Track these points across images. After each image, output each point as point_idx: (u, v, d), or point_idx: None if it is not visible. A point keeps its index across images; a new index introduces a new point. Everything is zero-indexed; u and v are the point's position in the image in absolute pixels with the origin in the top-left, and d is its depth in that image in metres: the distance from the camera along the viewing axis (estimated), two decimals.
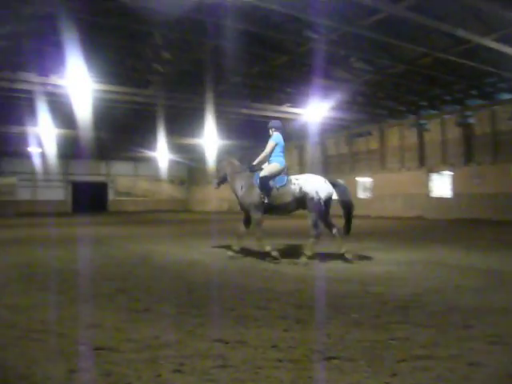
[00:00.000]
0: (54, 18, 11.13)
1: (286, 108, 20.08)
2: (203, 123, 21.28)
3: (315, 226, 7.40)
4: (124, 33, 13.20)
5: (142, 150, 31.92)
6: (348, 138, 25.82)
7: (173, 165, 37.51)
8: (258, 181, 7.76)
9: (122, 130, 25.57)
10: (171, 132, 25.01)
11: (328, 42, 13.33)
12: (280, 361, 2.93)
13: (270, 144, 7.99)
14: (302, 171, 29.05)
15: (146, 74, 17.31)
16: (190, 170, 42.18)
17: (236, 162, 8.65)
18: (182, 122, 24.26)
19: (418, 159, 21.75)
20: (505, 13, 10.29)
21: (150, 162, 36.77)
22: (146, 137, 26.14)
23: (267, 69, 15.88)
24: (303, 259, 7.14)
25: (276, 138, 8.10)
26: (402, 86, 18.74)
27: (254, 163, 8.18)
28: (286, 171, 8.00)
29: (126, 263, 7.37)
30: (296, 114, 20.44)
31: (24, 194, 35.47)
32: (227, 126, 24.98)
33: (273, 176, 7.72)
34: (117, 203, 38.83)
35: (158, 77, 16.97)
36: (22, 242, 11.08)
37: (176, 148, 31.15)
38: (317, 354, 3.07)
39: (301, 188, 7.56)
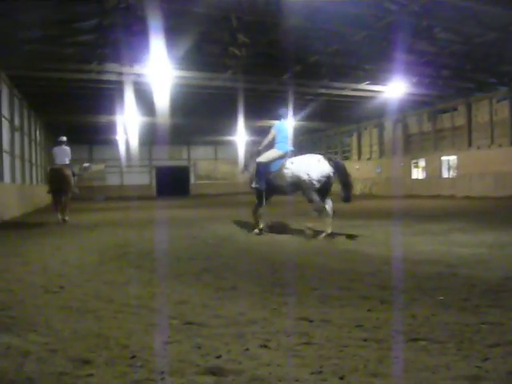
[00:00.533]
0: (136, 9, 11.66)
1: (365, 86, 19.50)
2: (281, 104, 21.30)
3: (312, 201, 7.95)
4: (200, 18, 13.49)
5: (222, 134, 32.69)
6: (431, 114, 24.54)
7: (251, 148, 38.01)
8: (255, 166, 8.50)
9: (201, 115, 26.31)
10: (249, 115, 25.30)
11: (409, 14, 12.69)
12: (365, 340, 2.94)
13: (271, 132, 8.60)
14: (381, 151, 28.19)
15: (223, 58, 17.60)
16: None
17: (257, 150, 9.14)
18: (260, 105, 24.45)
19: (510, 135, 20.19)
20: None
21: (229, 145, 37.59)
22: (225, 121, 26.70)
23: (345, 46, 15.48)
24: (308, 232, 7.83)
25: (277, 126, 8.66)
26: (493, 56, 17.39)
27: (260, 149, 8.80)
28: (288, 156, 8.43)
29: (209, 244, 7.67)
30: (376, 91, 19.78)
31: (112, 180, 37.96)
32: (305, 106, 24.78)
33: (269, 162, 8.31)
34: (198, 186, 40.27)
35: (235, 60, 17.18)
36: (113, 224, 11.92)
37: (255, 131, 31.53)
38: (402, 334, 3.04)
39: (293, 172, 8.05)
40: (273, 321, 3.36)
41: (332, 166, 7.98)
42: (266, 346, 2.85)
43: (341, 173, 8.10)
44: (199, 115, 26.19)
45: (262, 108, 24.99)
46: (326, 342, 2.91)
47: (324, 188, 8.02)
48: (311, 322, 3.32)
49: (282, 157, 8.34)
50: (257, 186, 8.58)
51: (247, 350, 2.79)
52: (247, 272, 5.22)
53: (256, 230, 8.62)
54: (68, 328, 3.23)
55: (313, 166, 7.89)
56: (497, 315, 3.41)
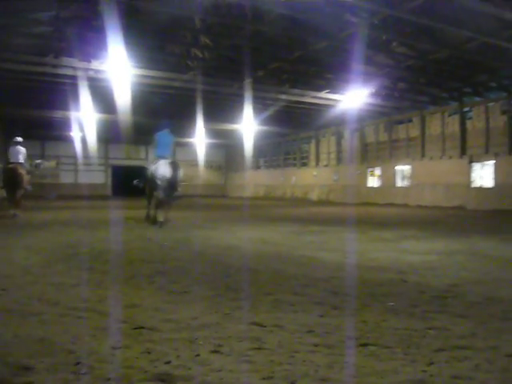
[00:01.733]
0: (96, 3, 11.37)
1: (324, 94, 19.85)
2: (241, 109, 21.34)
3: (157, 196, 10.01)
4: (163, 17, 13.33)
5: (181, 135, 32.39)
6: (387, 125, 25.29)
7: (211, 150, 37.91)
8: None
9: (161, 115, 25.95)
10: (209, 117, 25.22)
11: (369, 27, 13.03)
12: (316, 345, 2.96)
13: (154, 141, 10.77)
14: (339, 158, 28.75)
15: (184, 59, 17.46)
16: (228, 156, 42.51)
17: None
18: (220, 108, 24.42)
19: (459, 148, 21.08)
20: None
21: (188, 147, 37.31)
22: (185, 122, 26.48)
23: (306, 54, 15.70)
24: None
25: (158, 135, 10.75)
26: (444, 72, 18.14)
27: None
28: (164, 161, 10.14)
29: (164, 246, 7.56)
30: (335, 100, 20.18)
31: (66, 178, 36.78)
32: (265, 112, 24.95)
33: (148, 165, 10.52)
34: None
35: (196, 62, 17.08)
36: (65, 224, 11.54)
37: (214, 133, 31.45)
38: (353, 340, 3.08)
39: (151, 173, 10.15)
40: (225, 325, 3.33)
41: (171, 169, 9.95)
42: (217, 352, 2.82)
43: (172, 176, 9.98)
44: (159, 115, 25.80)
45: (223, 111, 24.99)
46: (278, 348, 2.91)
47: (168, 186, 9.95)
48: (264, 327, 3.31)
49: (155, 161, 10.35)
50: (136, 184, 11.34)
51: (198, 355, 2.75)
52: (201, 275, 5.17)
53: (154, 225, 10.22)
54: (9, 332, 3.07)
55: (159, 168, 9.84)
56: (443, 321, 3.53)
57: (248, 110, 21.29)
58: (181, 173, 10.63)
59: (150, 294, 4.24)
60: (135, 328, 3.24)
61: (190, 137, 31.73)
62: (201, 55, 16.60)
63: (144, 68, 16.04)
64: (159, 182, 9.75)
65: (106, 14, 10.96)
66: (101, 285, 4.62)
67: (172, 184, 10.05)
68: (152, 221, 10.50)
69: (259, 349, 2.88)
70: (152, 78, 17.20)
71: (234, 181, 40.98)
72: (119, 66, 14.47)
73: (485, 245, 8.06)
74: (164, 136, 10.60)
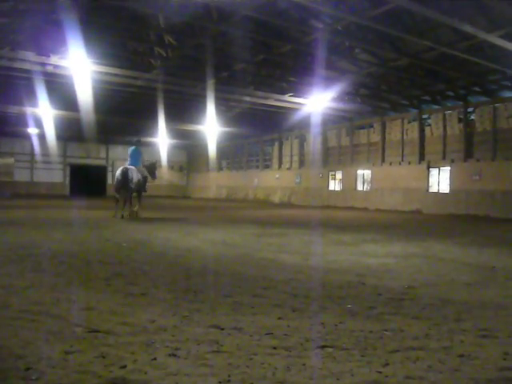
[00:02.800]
0: None
1: (288, 97, 20.01)
2: (205, 110, 21.22)
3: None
4: (127, 14, 13.10)
5: (143, 135, 31.91)
6: (349, 129, 25.76)
7: (173, 150, 37.51)
8: None
9: (122, 114, 25.49)
10: (172, 117, 24.95)
11: (333, 32, 13.25)
12: (275, 348, 2.96)
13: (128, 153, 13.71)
14: (301, 161, 29.04)
15: (148, 57, 17.21)
16: (190, 157, 42.17)
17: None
18: (184, 108, 24.21)
19: (418, 154, 21.72)
20: (510, 10, 10.22)
21: (150, 146, 36.77)
22: (147, 121, 26.07)
23: (271, 57, 15.79)
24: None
25: (130, 149, 13.72)
26: (405, 80, 18.65)
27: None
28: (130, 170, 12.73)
29: (123, 247, 7.40)
30: (298, 103, 20.37)
31: (21, 175, 35.43)
32: (229, 113, 24.92)
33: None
34: None
35: (160, 61, 16.86)
36: (18, 224, 11.11)
37: (177, 134, 31.13)
38: (311, 342, 3.11)
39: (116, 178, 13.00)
40: (183, 328, 3.29)
41: (121, 173, 12.60)
42: (174, 355, 2.78)
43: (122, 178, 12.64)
44: (120, 114, 25.36)
45: (186, 111, 24.77)
46: (236, 350, 2.89)
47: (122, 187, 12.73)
48: (222, 329, 3.29)
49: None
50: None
51: (155, 359, 2.70)
52: (160, 277, 5.09)
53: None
54: None
55: (117, 173, 12.91)
56: (398, 322, 3.61)
57: (211, 111, 21.19)
58: (141, 177, 13.23)
59: (107, 297, 4.14)
60: (90, 331, 3.15)
61: (152, 136, 31.29)
62: (164, 54, 16.41)
63: (106, 65, 15.69)
64: (119, 185, 12.84)
65: (65, 8, 10.65)
66: (55, 287, 4.47)
67: (132, 185, 12.72)
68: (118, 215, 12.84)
69: (217, 352, 2.86)
70: (114, 75, 16.83)
71: (197, 182, 40.71)
72: (79, 62, 14.09)
73: (440, 248, 8.33)
74: (134, 151, 13.59)
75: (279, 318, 3.62)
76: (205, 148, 33.07)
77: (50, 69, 15.68)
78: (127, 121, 27.50)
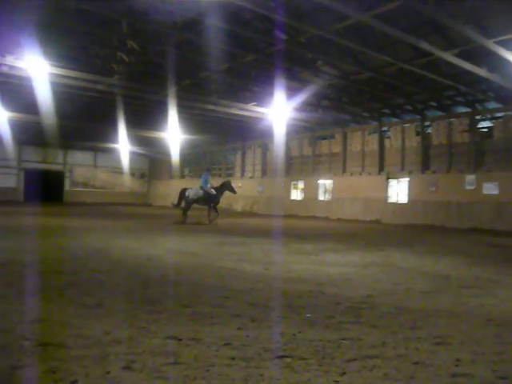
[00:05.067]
0: None
1: (251, 107, 20.10)
2: (167, 117, 20.99)
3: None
4: (89, 18, 12.82)
5: (103, 141, 31.26)
6: (312, 140, 26.11)
7: (134, 157, 36.91)
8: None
9: (82, 119, 24.86)
10: (134, 124, 24.55)
11: (296, 44, 13.42)
12: (233, 358, 2.93)
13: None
14: (264, 170, 29.18)
15: (110, 62, 16.89)
16: (152, 164, 41.59)
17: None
18: (146, 115, 23.86)
19: (377, 165, 22.24)
20: (465, 30, 10.66)
21: (110, 153, 36.05)
22: (108, 127, 25.54)
23: (235, 66, 15.83)
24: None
25: (203, 174, 17.72)
26: (365, 93, 19.10)
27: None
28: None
29: (79, 256, 7.17)
30: (261, 113, 20.48)
31: None
32: (192, 121, 24.76)
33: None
34: (73, 194, 37.69)
35: (122, 66, 16.58)
36: None
37: (138, 140, 30.65)
38: (269, 352, 3.09)
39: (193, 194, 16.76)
40: (140, 340, 3.20)
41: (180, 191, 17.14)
42: (129, 368, 2.70)
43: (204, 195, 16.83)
44: (80, 118, 24.71)
45: (148, 118, 24.42)
46: (193, 362, 2.84)
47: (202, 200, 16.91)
48: (180, 340, 3.23)
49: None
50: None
51: (108, 372, 2.61)
52: (117, 287, 4.96)
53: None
54: None
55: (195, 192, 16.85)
56: (356, 331, 3.65)
57: (174, 119, 20.98)
58: (202, 193, 16.82)
59: (60, 308, 3.99)
60: (40, 345, 3.01)
61: (113, 143, 30.68)
62: (127, 59, 16.14)
63: (65, 68, 15.27)
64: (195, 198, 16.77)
65: (21, 8, 10.31)
66: (4, 298, 4.27)
67: (205, 199, 16.81)
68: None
69: (174, 364, 2.80)
70: (74, 78, 16.39)
71: (158, 189, 40.12)
72: (36, 64, 13.64)
73: (398, 257, 8.52)
74: (205, 175, 17.48)
75: (238, 328, 3.58)
76: (167, 155, 32.70)
77: (5, 69, 15.12)
78: (87, 126, 26.85)
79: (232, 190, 17.56)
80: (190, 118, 24.05)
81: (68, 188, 38.12)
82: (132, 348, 3.03)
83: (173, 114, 20.05)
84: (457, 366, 2.98)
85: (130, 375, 2.60)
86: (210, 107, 20.17)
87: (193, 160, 36.34)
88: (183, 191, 17.09)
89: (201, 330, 3.50)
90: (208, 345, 3.17)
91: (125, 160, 33.24)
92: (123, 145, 30.21)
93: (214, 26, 11.91)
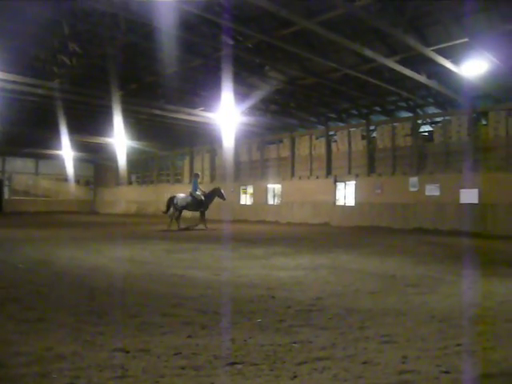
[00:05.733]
0: None
1: (199, 112, 19.97)
2: (113, 122, 20.45)
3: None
4: (28, 18, 12.28)
5: (45, 147, 30.01)
6: (260, 144, 26.29)
7: (79, 164, 35.73)
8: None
9: (22, 124, 23.74)
10: (78, 129, 23.75)
11: (244, 49, 13.48)
12: (183, 368, 2.87)
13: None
14: (212, 176, 29.06)
15: (50, 65, 16.24)
16: (97, 171, 40.36)
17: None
18: (90, 120, 23.12)
19: (325, 168, 22.70)
20: (405, 38, 11.11)
21: (53, 159, 34.64)
22: (50, 133, 24.54)
23: (182, 71, 15.67)
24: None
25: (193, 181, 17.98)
26: (312, 98, 19.47)
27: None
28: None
29: (20, 268, 6.82)
30: (209, 118, 20.40)
31: None
32: (138, 126, 24.28)
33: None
34: (14, 203, 35.87)
35: (64, 69, 16.00)
36: None
37: (83, 146, 29.67)
38: (220, 359, 3.05)
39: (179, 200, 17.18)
40: (85, 354, 3.07)
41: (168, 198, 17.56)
42: None
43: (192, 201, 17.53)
44: (19, 124, 23.58)
45: (93, 123, 23.69)
46: (142, 374, 2.75)
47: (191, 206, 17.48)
48: (128, 352, 3.13)
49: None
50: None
51: None
52: (61, 300, 4.74)
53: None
54: None
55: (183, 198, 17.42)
56: (307, 334, 3.68)
57: (120, 124, 20.48)
58: (190, 200, 17.36)
59: None
60: None
61: (55, 149, 29.52)
62: (68, 62, 15.59)
63: (2, 71, 14.55)
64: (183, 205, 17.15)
65: None
66: None
67: (194, 205, 17.28)
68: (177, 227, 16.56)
69: (121, 377, 2.70)
70: (12, 82, 15.62)
71: (105, 197, 38.97)
72: None
73: (346, 259, 8.70)
74: (194, 182, 17.89)
75: (188, 337, 3.52)
76: (113, 162, 31.87)
77: None
78: (27, 132, 25.66)
79: (222, 197, 17.90)
80: (137, 123, 23.57)
81: (7, 197, 36.25)
82: (76, 363, 2.90)
83: (118, 120, 19.58)
84: (403, 363, 3.06)
85: None
86: (157, 112, 19.85)
87: (140, 166, 35.60)
88: (171, 198, 17.45)
89: (150, 340, 3.41)
90: (157, 355, 3.09)
91: (69, 167, 32.06)
92: (67, 151, 29.16)
93: (160, 29, 11.75)
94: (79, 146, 28.95)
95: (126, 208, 35.46)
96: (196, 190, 17.60)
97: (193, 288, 5.51)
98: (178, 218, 17.29)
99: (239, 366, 2.92)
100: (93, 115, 22.14)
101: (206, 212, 18.21)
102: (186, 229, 17.08)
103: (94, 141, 26.76)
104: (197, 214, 18.33)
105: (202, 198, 17.55)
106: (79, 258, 8.08)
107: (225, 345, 3.36)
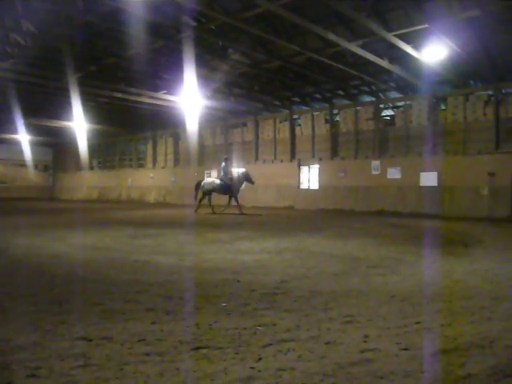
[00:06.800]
0: None
1: (161, 95, 19.60)
2: (71, 105, 19.81)
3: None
4: None
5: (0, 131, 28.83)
6: (224, 128, 26.12)
7: (37, 149, 34.53)
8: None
9: None
10: (34, 113, 22.89)
11: (206, 31, 13.27)
12: (147, 354, 2.85)
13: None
14: (176, 160, 28.72)
15: (3, 44, 15.52)
16: (57, 155, 39.15)
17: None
18: (48, 103, 22.31)
19: (289, 152, 22.82)
20: (368, 22, 11.21)
21: (9, 144, 33.33)
22: (4, 116, 23.54)
23: (143, 53, 15.28)
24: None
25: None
26: (276, 81, 19.45)
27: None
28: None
29: None
30: (172, 101, 20.08)
31: None
32: (99, 109, 23.63)
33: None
34: None
35: (18, 50, 15.32)
36: None
37: (40, 130, 28.65)
38: (185, 344, 3.05)
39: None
40: (46, 344, 3.00)
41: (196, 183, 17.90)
42: (34, 375, 2.52)
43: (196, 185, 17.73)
44: None
45: (51, 106, 22.87)
46: (106, 362, 2.72)
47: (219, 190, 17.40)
48: (90, 340, 3.08)
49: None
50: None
51: (10, 383, 2.41)
52: (20, 289, 4.60)
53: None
54: None
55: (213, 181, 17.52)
56: (271, 316, 3.72)
57: (79, 107, 19.86)
58: (216, 184, 17.20)
59: None
60: None
61: (12, 133, 28.40)
62: (23, 42, 14.94)
63: None
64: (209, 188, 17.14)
65: None
66: None
67: (222, 188, 17.14)
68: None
69: (84, 366, 2.66)
70: None
71: (65, 182, 37.92)
72: None
73: (310, 242, 8.83)
74: (223, 165, 17.35)
75: (152, 323, 3.49)
76: (73, 146, 31.01)
77: None
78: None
79: (250, 181, 17.60)
80: (97, 106, 22.96)
81: None
82: (37, 354, 2.83)
83: (77, 103, 18.97)
84: (365, 342, 3.15)
85: (35, 383, 2.42)
86: (118, 95, 19.36)
87: (102, 151, 34.76)
88: (198, 183, 17.67)
89: (113, 327, 3.36)
90: (121, 343, 3.05)
91: (26, 152, 30.97)
92: (23, 135, 28.11)
93: (120, 9, 11.39)
94: (37, 129, 27.96)
95: (87, 194, 34.67)
96: (225, 174, 17.29)
97: (157, 274, 5.46)
98: (210, 201, 17.32)
99: (204, 351, 2.93)
100: (50, 98, 21.38)
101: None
102: (214, 213, 16.96)
103: (53, 124, 25.89)
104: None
105: (229, 182, 17.23)
106: (39, 246, 7.86)
107: (190, 330, 3.36)
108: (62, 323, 3.45)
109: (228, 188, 17.20)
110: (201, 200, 17.37)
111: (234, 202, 17.64)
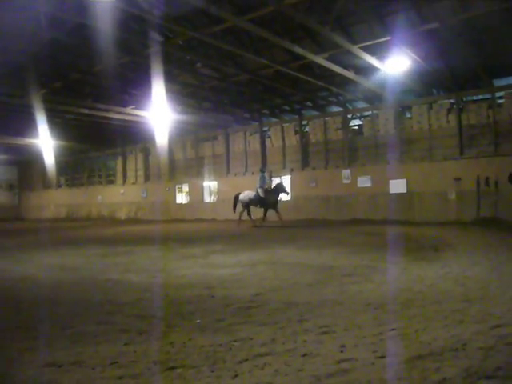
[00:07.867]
0: None
1: (130, 110, 19.39)
2: (36, 122, 19.34)
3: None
4: None
5: None
6: (194, 142, 26.03)
7: (0, 167, 33.57)
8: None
9: None
10: None
11: (174, 46, 13.24)
12: (120, 378, 2.76)
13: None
14: (147, 175, 28.39)
15: None
16: (22, 174, 38.09)
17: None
18: (11, 120, 21.71)
19: (260, 164, 22.87)
20: (333, 35, 11.41)
21: None
22: None
23: (110, 68, 15.11)
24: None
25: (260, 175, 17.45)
26: (245, 94, 19.54)
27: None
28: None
29: None
30: (141, 116, 19.88)
31: None
32: (66, 126, 23.17)
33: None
34: None
35: None
36: None
37: (4, 148, 27.86)
38: (159, 365, 2.97)
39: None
40: (10, 373, 2.86)
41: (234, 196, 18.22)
42: None
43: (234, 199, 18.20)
44: None
45: (14, 124, 22.25)
46: None
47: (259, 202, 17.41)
48: (60, 366, 2.95)
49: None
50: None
51: None
52: None
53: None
54: None
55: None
56: (247, 331, 3.67)
57: (44, 124, 19.42)
58: (253, 196, 17.29)
59: None
60: None
61: None
62: None
63: None
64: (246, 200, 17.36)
65: None
66: None
67: (257, 201, 17.01)
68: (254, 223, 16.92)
69: None
70: None
71: (31, 201, 36.86)
72: None
73: (284, 253, 8.82)
74: (260, 177, 17.23)
75: (125, 344, 3.39)
76: (40, 164, 30.26)
77: None
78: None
79: (284, 191, 17.21)
80: (64, 122, 22.51)
81: None
82: None
83: (43, 119, 18.55)
84: (341, 352, 3.13)
85: None
86: (85, 111, 19.03)
87: (70, 168, 34.04)
88: (236, 196, 17.87)
89: (83, 351, 3.24)
90: (92, 367, 2.94)
91: None
92: None
93: (86, 25, 11.25)
94: (0, 147, 27.17)
95: (55, 212, 33.81)
96: (260, 186, 17.01)
97: (129, 293, 5.33)
98: (249, 213, 17.29)
99: (179, 370, 2.85)
100: (14, 115, 20.81)
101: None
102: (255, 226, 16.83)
103: (17, 142, 25.21)
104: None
105: (263, 194, 16.93)
106: (3, 269, 7.58)
107: (164, 349, 3.27)
108: (29, 350, 3.31)
109: (262, 200, 17.01)
110: (241, 213, 17.47)
111: (272, 214, 17.46)
